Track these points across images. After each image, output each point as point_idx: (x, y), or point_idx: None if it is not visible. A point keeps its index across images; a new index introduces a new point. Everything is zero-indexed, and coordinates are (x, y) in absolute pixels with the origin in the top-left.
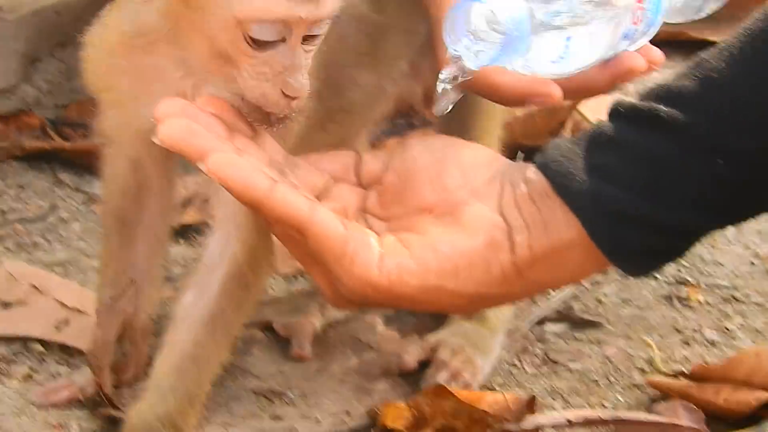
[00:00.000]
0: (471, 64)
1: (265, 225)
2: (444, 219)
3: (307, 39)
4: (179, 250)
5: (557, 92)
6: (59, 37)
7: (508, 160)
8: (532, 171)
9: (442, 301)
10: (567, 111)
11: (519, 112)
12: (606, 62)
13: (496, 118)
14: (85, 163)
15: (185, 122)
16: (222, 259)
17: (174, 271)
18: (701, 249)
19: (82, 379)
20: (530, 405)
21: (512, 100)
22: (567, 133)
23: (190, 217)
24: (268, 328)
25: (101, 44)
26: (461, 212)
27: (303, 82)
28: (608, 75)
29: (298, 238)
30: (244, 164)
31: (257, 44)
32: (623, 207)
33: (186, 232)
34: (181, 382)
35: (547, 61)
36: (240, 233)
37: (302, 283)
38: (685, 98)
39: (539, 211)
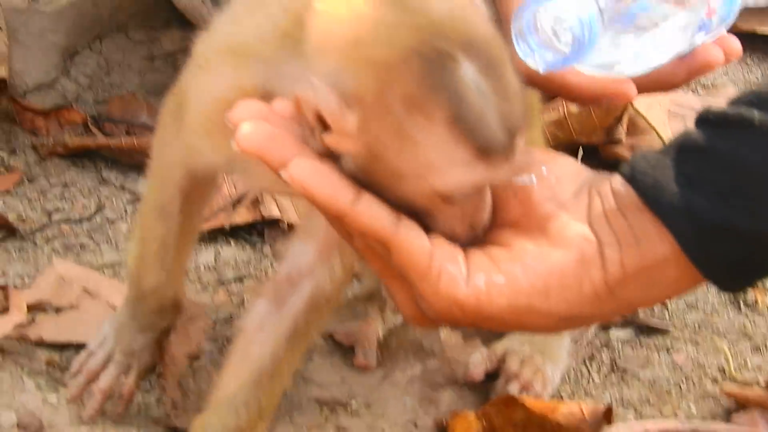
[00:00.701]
0: (540, 68)
1: (344, 236)
2: (531, 233)
3: None
4: (230, 251)
5: (632, 91)
6: (97, 30)
7: (593, 172)
8: (619, 182)
9: (530, 321)
10: (623, 107)
11: (574, 108)
12: (682, 56)
13: (535, 108)
14: (129, 161)
15: (264, 126)
16: (312, 273)
17: (226, 273)
18: None
19: (106, 375)
20: (607, 415)
21: (587, 99)
22: (623, 129)
23: (240, 217)
24: (327, 335)
25: (214, 95)
26: (549, 227)
27: (487, 215)
28: (685, 69)
29: (380, 251)
30: (329, 172)
31: (451, 199)
32: (717, 220)
33: (236, 233)
34: (254, 396)
35: (620, 61)
36: (343, 252)
37: (359, 287)
38: None
39: (630, 225)
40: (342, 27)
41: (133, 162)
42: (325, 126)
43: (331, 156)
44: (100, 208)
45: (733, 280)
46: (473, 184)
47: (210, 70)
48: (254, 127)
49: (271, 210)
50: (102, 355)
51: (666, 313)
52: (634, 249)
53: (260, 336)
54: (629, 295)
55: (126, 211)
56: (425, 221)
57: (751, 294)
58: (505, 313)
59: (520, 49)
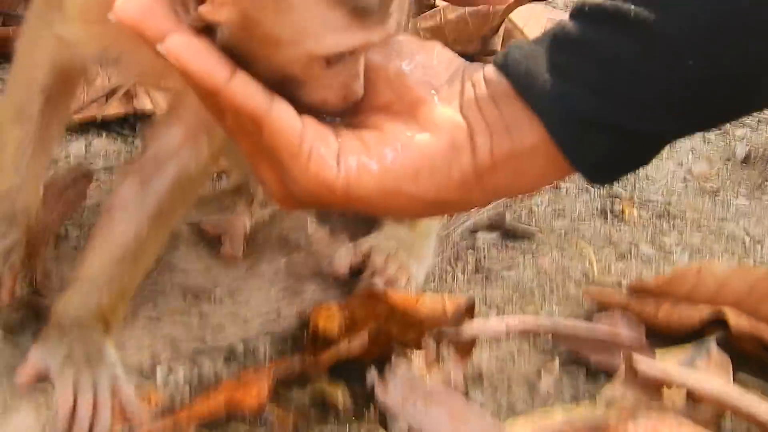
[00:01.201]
0: None
1: (216, 115)
2: (402, 118)
3: None
4: (101, 143)
5: None
6: None
7: (466, 61)
8: (492, 71)
9: (399, 204)
10: (500, 18)
11: (451, 15)
12: None
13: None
14: (3, 51)
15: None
16: (177, 154)
17: (96, 163)
18: None
19: None
20: (469, 309)
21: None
22: (499, 39)
23: (112, 109)
24: (194, 225)
25: None
26: (421, 111)
27: (362, 85)
28: None
29: (252, 130)
30: (205, 48)
31: (328, 64)
32: (588, 110)
33: (108, 126)
34: (117, 275)
35: None
36: (211, 137)
37: (227, 182)
38: None
39: (501, 113)
40: None
41: (8, 52)
42: None
43: (205, 32)
44: None
45: (599, 172)
46: (348, 47)
47: None
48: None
49: (144, 104)
50: None
51: (533, 219)
52: (505, 136)
53: (124, 215)
54: (497, 183)
55: None
56: (298, 94)
57: (618, 204)
58: (374, 194)
59: None
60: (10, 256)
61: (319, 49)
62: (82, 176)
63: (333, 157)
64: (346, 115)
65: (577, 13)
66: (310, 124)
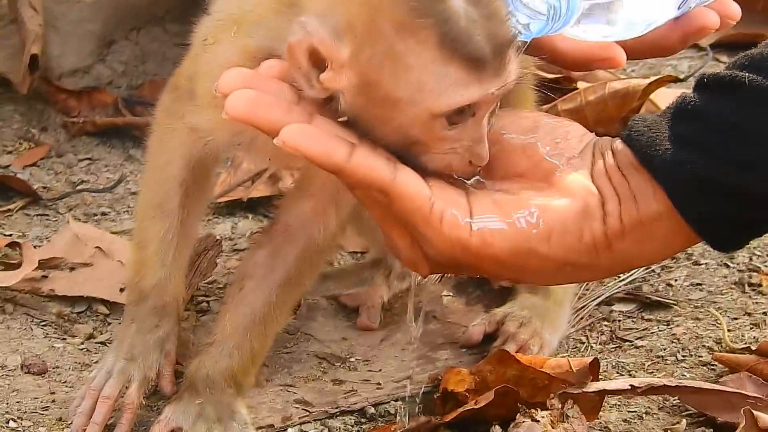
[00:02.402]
0: (525, 35)
1: (348, 188)
2: (537, 184)
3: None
4: (246, 223)
5: (621, 55)
6: (134, 22)
7: (596, 136)
8: (618, 143)
9: (530, 265)
10: (639, 99)
11: (591, 97)
12: (677, 20)
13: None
14: None
15: (252, 94)
16: (307, 226)
17: (241, 244)
18: None
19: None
20: (594, 369)
21: (576, 65)
22: None
23: (258, 191)
24: (332, 298)
25: (223, 62)
26: (555, 179)
27: (487, 150)
28: (680, 33)
29: (382, 200)
30: (318, 133)
31: (450, 123)
32: (709, 176)
33: (254, 206)
34: (247, 340)
35: (607, 27)
36: (338, 208)
37: (367, 259)
38: None
39: (627, 182)
40: None
41: None
42: (319, 66)
43: (328, 101)
44: (122, 181)
45: (724, 239)
46: (467, 100)
47: (216, 42)
48: (240, 94)
49: (289, 185)
50: (103, 371)
51: (670, 290)
52: (632, 204)
53: (254, 283)
54: (625, 250)
55: None
56: (424, 160)
57: (756, 276)
58: (507, 255)
59: None
60: (166, 345)
61: (438, 105)
62: (212, 245)
63: (465, 219)
64: (481, 179)
65: (698, 85)
66: (438, 187)
